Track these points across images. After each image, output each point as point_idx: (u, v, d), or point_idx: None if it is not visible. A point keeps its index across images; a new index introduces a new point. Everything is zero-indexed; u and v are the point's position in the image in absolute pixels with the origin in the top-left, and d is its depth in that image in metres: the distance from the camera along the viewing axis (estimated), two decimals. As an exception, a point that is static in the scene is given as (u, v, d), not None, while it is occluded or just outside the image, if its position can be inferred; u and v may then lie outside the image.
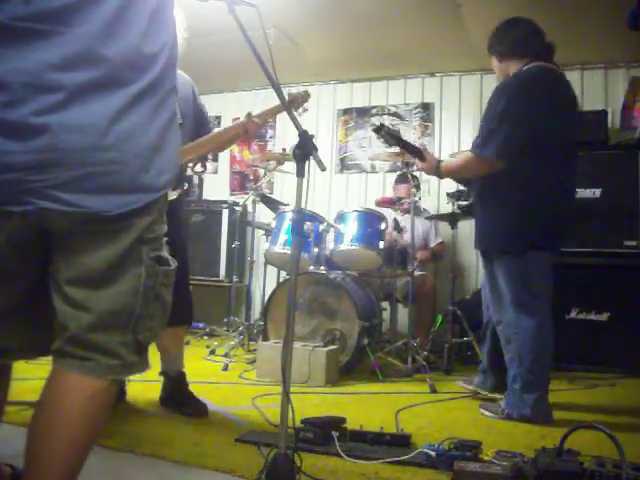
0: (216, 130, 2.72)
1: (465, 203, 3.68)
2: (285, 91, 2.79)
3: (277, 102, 1.65)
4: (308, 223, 3.67)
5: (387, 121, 5.54)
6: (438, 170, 2.83)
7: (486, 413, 2.59)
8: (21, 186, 1.02)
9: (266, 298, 4.00)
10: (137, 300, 1.16)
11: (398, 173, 4.87)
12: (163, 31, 1.15)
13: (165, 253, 1.24)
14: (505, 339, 2.62)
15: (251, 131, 2.58)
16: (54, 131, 1.01)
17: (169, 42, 1.16)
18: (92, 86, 1.04)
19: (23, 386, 2.03)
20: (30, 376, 2.05)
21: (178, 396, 2.51)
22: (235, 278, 4.91)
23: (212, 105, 5.95)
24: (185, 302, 2.55)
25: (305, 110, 2.79)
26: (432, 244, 4.69)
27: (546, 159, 2.55)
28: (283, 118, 5.49)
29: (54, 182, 1.03)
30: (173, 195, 2.42)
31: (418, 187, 4.68)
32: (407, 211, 4.00)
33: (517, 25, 2.77)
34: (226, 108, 5.97)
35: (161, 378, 2.58)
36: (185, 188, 2.63)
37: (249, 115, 2.58)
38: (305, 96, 2.78)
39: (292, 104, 2.73)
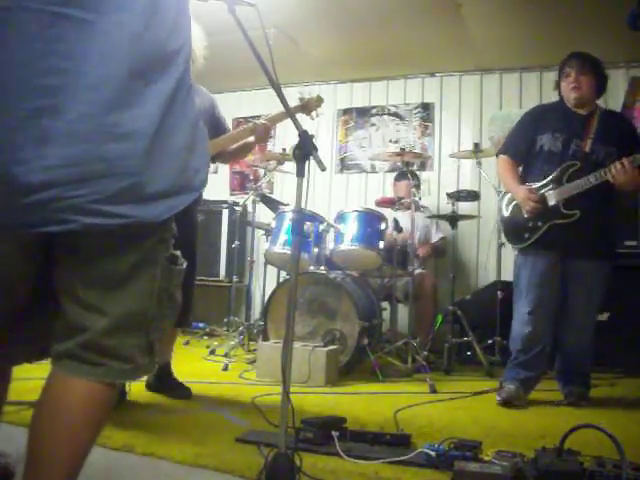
0: (225, 134, 2.80)
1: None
2: (297, 94, 2.81)
3: (278, 102, 1.64)
4: (308, 223, 3.67)
5: (387, 121, 5.54)
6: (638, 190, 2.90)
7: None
8: (60, 204, 0.94)
9: (266, 298, 4.00)
10: (152, 301, 1.12)
11: (398, 172, 4.87)
12: (184, 29, 1.11)
13: (175, 251, 1.20)
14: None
15: (259, 138, 2.78)
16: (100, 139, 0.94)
17: (188, 41, 1.12)
18: (134, 81, 0.97)
19: (23, 386, 2.03)
20: (30, 376, 2.05)
21: (165, 381, 2.75)
22: (235, 278, 4.91)
23: (212, 105, 5.98)
24: (188, 306, 2.62)
25: (318, 115, 2.81)
26: (433, 239, 4.69)
27: None
28: (283, 118, 5.50)
29: (100, 196, 0.96)
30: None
31: (418, 186, 4.69)
32: (407, 208, 4.00)
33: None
34: (226, 108, 5.95)
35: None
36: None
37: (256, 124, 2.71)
38: (319, 100, 2.79)
39: (305, 109, 2.75)
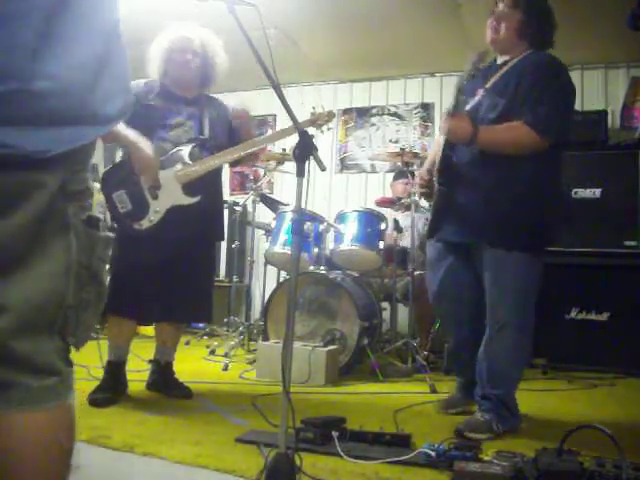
0: (238, 146, 2.78)
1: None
2: (311, 108, 2.86)
3: (278, 102, 1.64)
4: (308, 223, 3.67)
5: (387, 121, 5.55)
6: (474, 136, 2.22)
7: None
8: None
9: (266, 298, 4.00)
10: (68, 283, 0.82)
11: (395, 172, 4.86)
12: None
13: (97, 214, 0.91)
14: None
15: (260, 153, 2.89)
16: None
17: None
18: None
19: None
20: None
21: (165, 381, 2.77)
22: (235, 278, 4.91)
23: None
24: (208, 301, 2.80)
25: (329, 129, 2.86)
26: None
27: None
28: (283, 118, 5.50)
29: None
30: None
31: (417, 186, 4.68)
32: (407, 208, 3.99)
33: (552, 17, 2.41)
34: (226, 108, 5.97)
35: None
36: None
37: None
38: (330, 116, 2.83)
39: (315, 123, 2.80)
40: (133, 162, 2.46)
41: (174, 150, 2.62)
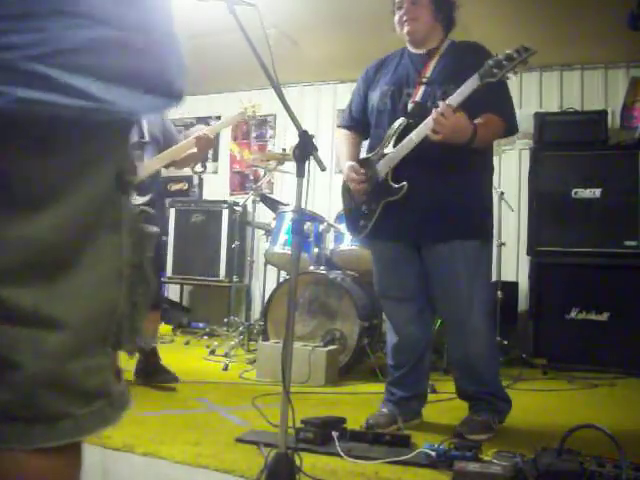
0: (175, 146, 3.04)
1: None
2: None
3: (278, 102, 1.64)
4: (308, 223, 3.67)
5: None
6: (474, 136, 2.11)
7: None
8: None
9: (266, 298, 4.00)
10: (120, 288, 0.71)
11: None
12: None
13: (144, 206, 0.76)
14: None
15: (201, 148, 3.02)
16: None
17: None
18: None
19: None
20: None
21: (151, 367, 2.93)
22: (235, 278, 4.91)
23: (212, 105, 5.97)
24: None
25: (254, 115, 3.19)
26: None
27: None
28: (283, 118, 5.50)
29: (50, 48, 0.55)
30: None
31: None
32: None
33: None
34: (226, 108, 5.96)
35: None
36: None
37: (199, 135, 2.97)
38: (257, 106, 3.16)
39: (244, 115, 3.17)
40: None
41: None
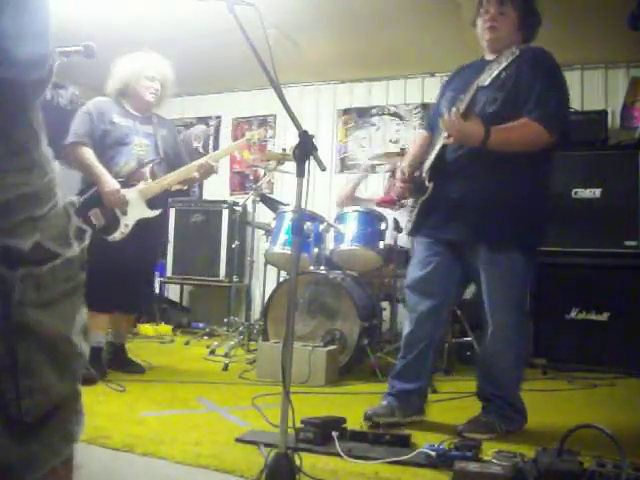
0: (183, 167, 3.26)
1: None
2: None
3: (277, 102, 1.64)
4: (308, 223, 3.67)
5: (387, 121, 5.55)
6: (486, 139, 2.15)
7: None
8: None
9: (266, 298, 4.00)
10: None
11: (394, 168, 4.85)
12: None
13: (40, 236, 0.69)
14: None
15: (202, 175, 3.25)
16: None
17: None
18: None
19: None
20: None
21: (121, 359, 3.29)
22: (235, 278, 4.91)
23: (212, 105, 5.98)
24: (142, 294, 3.39)
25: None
26: None
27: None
28: (283, 118, 5.50)
29: None
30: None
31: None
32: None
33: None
34: (226, 108, 5.97)
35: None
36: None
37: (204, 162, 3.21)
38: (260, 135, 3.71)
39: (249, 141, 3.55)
40: (101, 194, 2.97)
41: (138, 168, 3.11)
